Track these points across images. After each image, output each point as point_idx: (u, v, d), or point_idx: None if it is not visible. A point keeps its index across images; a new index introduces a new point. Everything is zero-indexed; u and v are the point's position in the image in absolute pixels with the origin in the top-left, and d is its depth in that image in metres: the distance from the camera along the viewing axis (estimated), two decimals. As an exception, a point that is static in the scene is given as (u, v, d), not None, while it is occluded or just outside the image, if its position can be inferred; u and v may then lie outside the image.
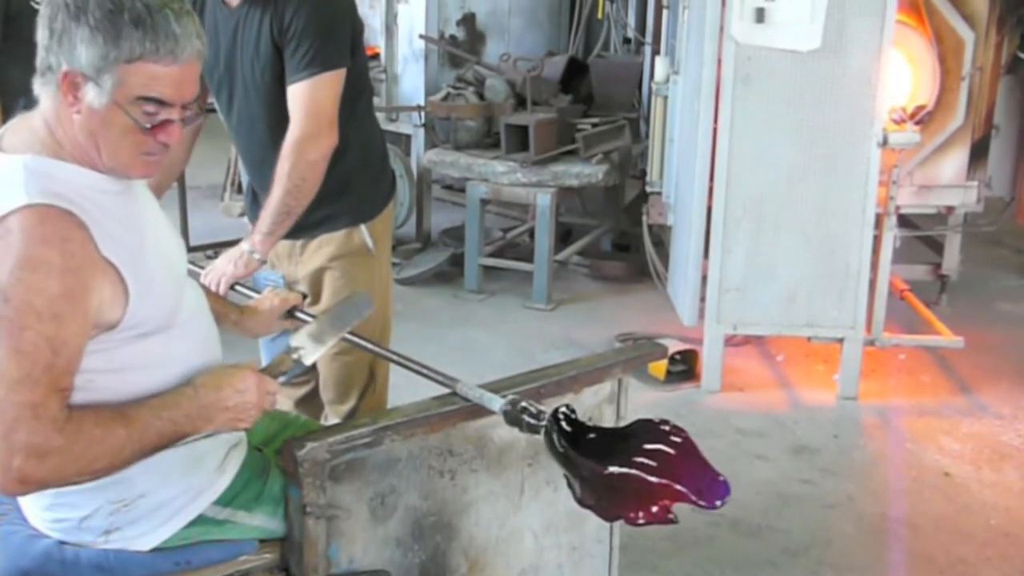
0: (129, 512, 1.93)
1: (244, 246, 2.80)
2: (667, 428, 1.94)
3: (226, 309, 2.44)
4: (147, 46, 1.75)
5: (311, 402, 3.26)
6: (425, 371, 2.24)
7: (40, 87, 1.84)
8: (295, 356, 2.07)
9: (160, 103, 1.80)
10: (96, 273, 1.76)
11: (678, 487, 1.87)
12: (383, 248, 3.12)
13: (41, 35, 1.80)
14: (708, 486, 1.91)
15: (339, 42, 2.83)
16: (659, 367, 4.77)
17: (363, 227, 3.03)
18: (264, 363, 3.26)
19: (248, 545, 2.04)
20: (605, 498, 1.90)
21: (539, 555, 2.41)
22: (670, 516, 1.86)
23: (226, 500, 2.02)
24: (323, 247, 3.01)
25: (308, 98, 2.76)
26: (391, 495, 2.09)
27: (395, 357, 2.35)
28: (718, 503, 1.91)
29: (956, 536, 3.68)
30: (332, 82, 2.80)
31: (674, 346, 4.82)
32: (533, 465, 2.33)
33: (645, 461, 1.88)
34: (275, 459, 2.11)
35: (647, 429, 1.95)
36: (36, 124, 1.85)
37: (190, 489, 1.97)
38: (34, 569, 1.93)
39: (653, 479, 1.87)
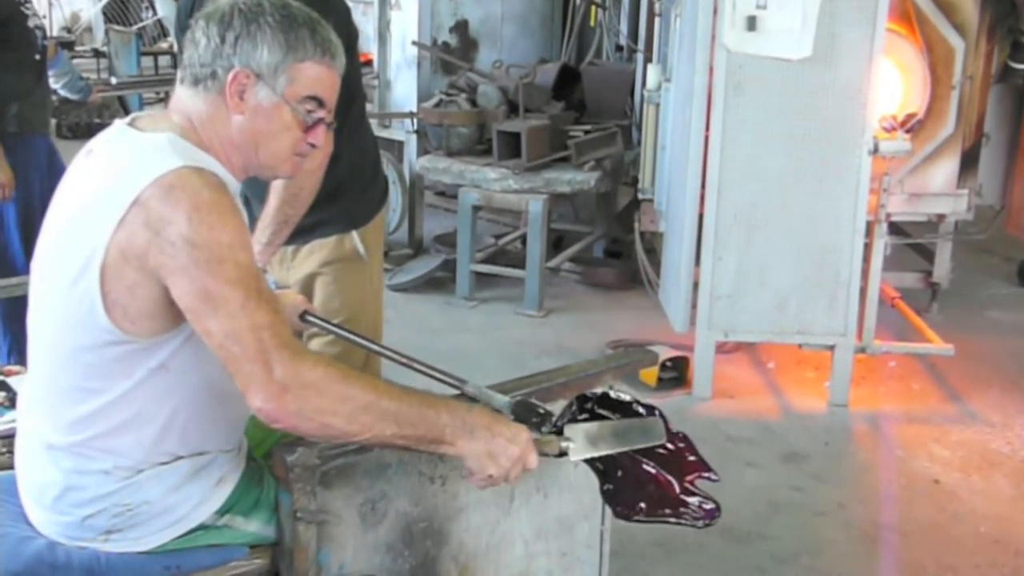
0: (132, 516, 1.93)
1: None
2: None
3: None
4: (317, 49, 1.93)
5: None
6: (430, 371, 2.24)
7: (194, 95, 1.93)
8: (564, 445, 2.02)
9: (319, 103, 1.96)
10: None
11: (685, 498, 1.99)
12: (375, 254, 3.13)
13: (207, 42, 1.91)
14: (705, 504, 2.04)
15: None
16: (650, 374, 4.77)
17: (355, 233, 3.03)
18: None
19: (239, 551, 2.04)
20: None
21: (529, 561, 2.40)
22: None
23: (225, 509, 2.03)
24: (315, 253, 3.01)
25: None
26: (381, 501, 2.09)
27: (402, 359, 2.35)
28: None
29: (946, 544, 3.69)
30: None
31: (665, 353, 4.83)
32: (523, 471, 2.32)
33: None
34: (267, 464, 2.11)
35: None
36: (177, 120, 1.94)
37: (192, 498, 1.98)
38: (25, 572, 1.92)
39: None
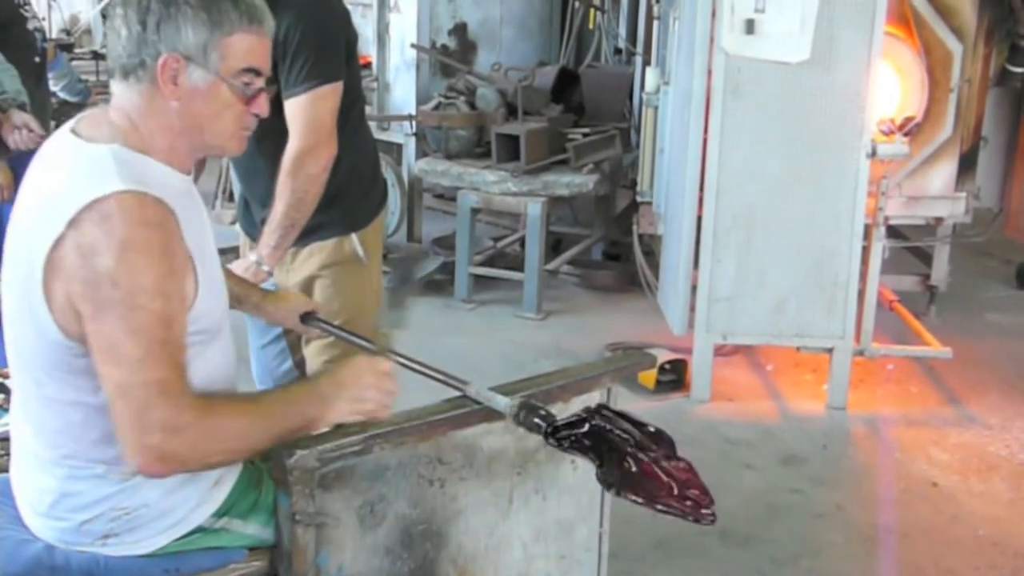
0: (130, 520, 1.93)
1: (252, 257, 2.86)
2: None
3: (248, 291, 2.55)
4: (243, 19, 1.88)
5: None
6: (435, 374, 2.25)
7: (126, 87, 1.89)
8: (387, 332, 2.10)
9: (255, 72, 1.93)
10: (185, 261, 1.83)
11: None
12: (374, 257, 3.13)
13: (128, 32, 1.85)
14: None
15: (335, 54, 2.84)
16: (649, 376, 4.78)
17: (354, 236, 3.04)
18: (254, 370, 3.28)
19: (237, 553, 2.04)
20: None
21: (528, 564, 2.40)
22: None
23: (223, 510, 2.03)
24: (314, 255, 3.01)
25: (307, 112, 2.78)
26: (380, 503, 2.09)
27: (404, 361, 2.36)
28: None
29: (944, 546, 3.69)
30: (330, 95, 2.82)
31: (663, 355, 4.83)
32: (522, 474, 2.33)
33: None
34: (266, 467, 2.12)
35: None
36: (115, 119, 1.90)
37: (189, 500, 1.98)
38: (24, 575, 1.93)
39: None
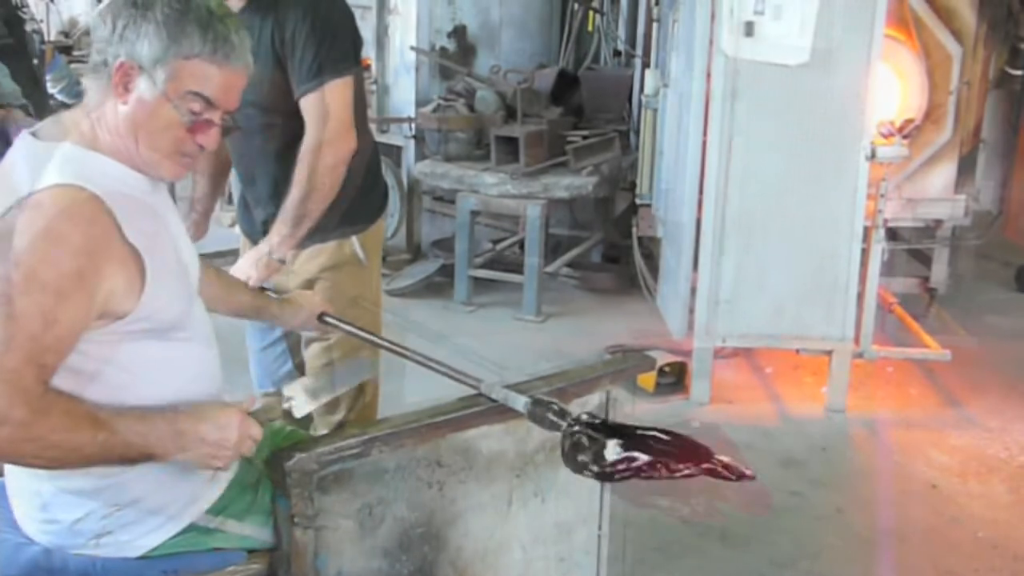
0: (121, 517, 1.93)
1: (263, 248, 2.83)
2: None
3: (264, 302, 2.55)
4: (206, 47, 1.86)
5: (300, 413, 3.25)
6: (450, 372, 2.27)
7: (90, 81, 1.91)
8: (286, 406, 2.09)
9: (206, 102, 1.89)
10: (114, 261, 1.80)
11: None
12: (374, 260, 3.13)
13: (100, 31, 1.88)
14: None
15: (344, 47, 2.85)
16: (648, 379, 4.77)
17: (354, 239, 3.04)
18: (253, 373, 3.28)
19: (236, 555, 2.04)
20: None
21: (527, 566, 2.40)
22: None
23: (218, 509, 2.03)
24: (314, 258, 3.01)
25: (322, 106, 2.79)
26: (379, 506, 2.09)
27: (420, 359, 2.37)
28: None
29: (944, 548, 3.69)
30: (343, 87, 2.83)
31: (663, 358, 4.83)
32: (521, 476, 2.33)
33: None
34: (265, 470, 2.11)
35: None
36: (77, 116, 1.92)
37: (183, 496, 1.98)
38: (22, 578, 1.93)
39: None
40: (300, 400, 2.11)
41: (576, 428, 2.01)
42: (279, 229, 2.84)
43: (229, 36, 1.88)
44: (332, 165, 2.81)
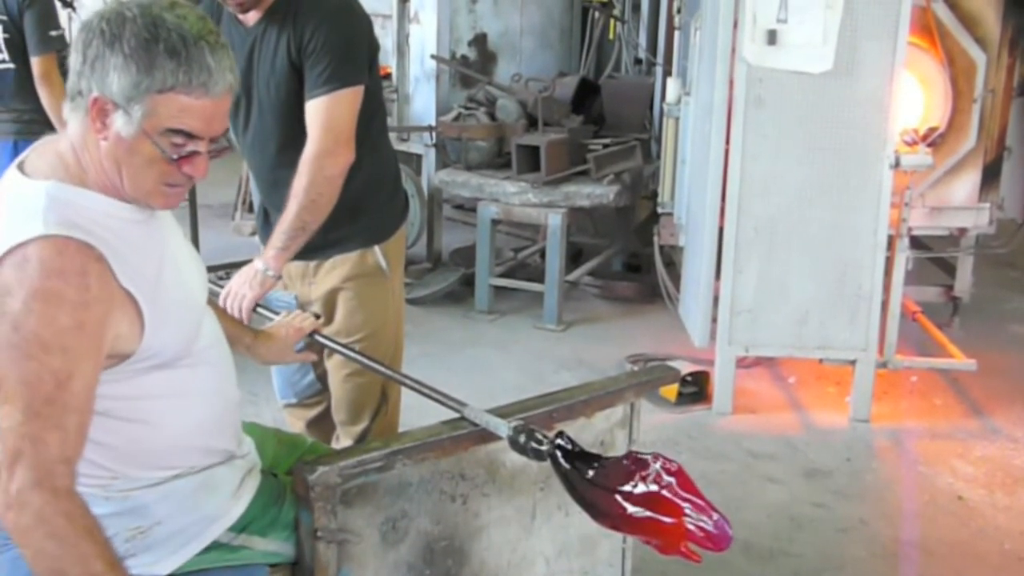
0: (145, 539, 1.92)
1: (258, 265, 2.80)
2: (659, 464, 1.93)
3: (240, 332, 2.46)
4: (180, 78, 1.75)
5: (322, 423, 3.26)
6: (434, 394, 2.24)
7: (69, 112, 1.84)
8: None
9: (188, 136, 1.80)
10: (114, 307, 1.77)
11: (689, 527, 1.86)
12: (396, 269, 3.12)
13: (74, 60, 1.79)
14: (711, 525, 1.89)
15: (357, 59, 2.84)
16: (670, 389, 4.75)
17: (376, 248, 3.03)
18: (276, 384, 3.28)
19: (259, 570, 2.03)
20: (620, 524, 1.91)
21: (551, 580, 2.39)
22: (691, 555, 1.86)
23: (241, 526, 2.02)
24: (337, 268, 3.01)
25: (326, 114, 2.77)
26: (402, 519, 2.08)
27: (406, 380, 2.35)
28: (724, 545, 1.89)
29: (970, 560, 3.66)
30: (351, 99, 2.81)
31: (685, 368, 4.81)
32: (545, 490, 2.32)
33: (654, 499, 1.87)
34: (290, 484, 2.11)
35: (641, 462, 1.94)
36: (63, 148, 1.85)
37: (206, 516, 1.97)
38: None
39: (666, 520, 1.87)
40: None
41: (555, 457, 1.96)
42: (274, 243, 2.80)
43: (205, 61, 1.76)
44: (331, 177, 2.78)
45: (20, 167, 1.86)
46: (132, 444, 1.88)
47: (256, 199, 3.28)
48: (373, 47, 2.97)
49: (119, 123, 1.77)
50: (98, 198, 1.83)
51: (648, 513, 1.88)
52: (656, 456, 1.95)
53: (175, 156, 1.80)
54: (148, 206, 1.89)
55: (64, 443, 1.70)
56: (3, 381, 1.70)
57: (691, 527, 1.87)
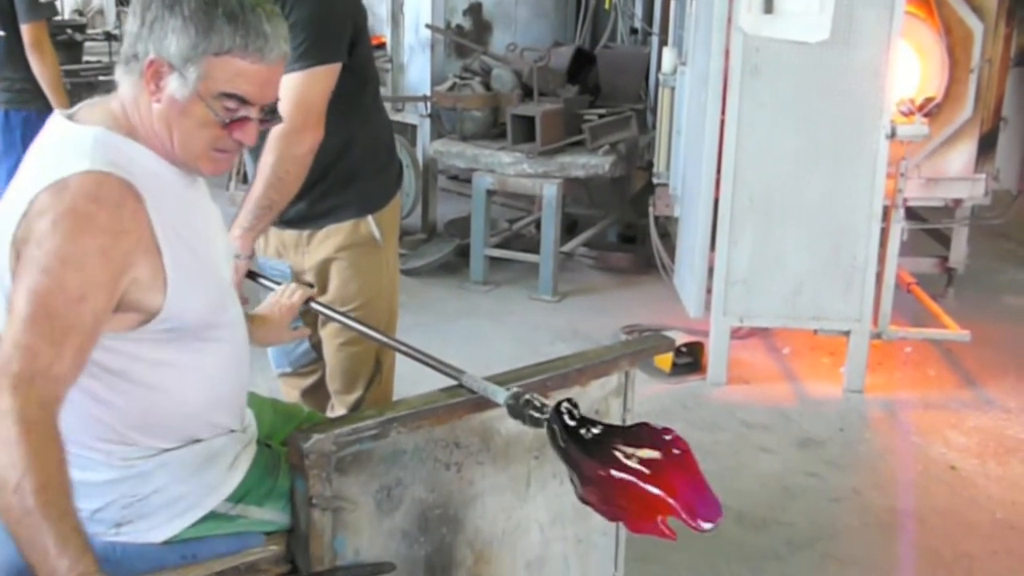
0: (142, 506, 1.92)
1: None
2: (670, 437, 1.91)
3: None
4: (237, 41, 1.79)
5: (317, 392, 3.26)
6: (431, 362, 2.23)
7: (122, 74, 1.87)
8: None
9: (241, 100, 1.83)
10: (140, 247, 1.77)
11: (671, 501, 1.84)
12: (390, 239, 3.11)
13: (131, 24, 1.83)
14: (701, 505, 1.87)
15: (336, 36, 2.80)
16: (665, 359, 4.76)
17: (370, 218, 3.01)
18: (270, 353, 3.27)
19: (255, 538, 2.03)
20: (605, 498, 1.89)
21: (545, 547, 2.40)
22: (667, 532, 1.85)
23: (238, 496, 2.02)
24: (330, 237, 2.99)
25: (298, 91, 2.71)
26: (397, 487, 2.08)
27: (403, 347, 2.35)
28: (707, 526, 1.87)
29: (962, 529, 3.68)
30: (325, 76, 2.77)
31: (680, 338, 4.81)
32: (539, 458, 2.32)
33: (644, 468, 1.86)
34: (285, 453, 2.11)
35: (651, 434, 1.93)
36: (113, 106, 1.88)
37: (203, 485, 1.97)
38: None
39: (650, 488, 1.85)
40: None
41: (555, 426, 1.94)
42: (240, 222, 2.74)
43: (261, 27, 1.81)
44: (298, 155, 2.73)
45: (69, 117, 1.89)
46: (143, 410, 1.88)
47: (250, 170, 3.26)
48: (359, 19, 2.93)
49: (173, 85, 1.80)
50: (146, 152, 1.85)
51: (638, 481, 1.86)
52: (668, 430, 1.94)
53: (227, 120, 1.83)
54: (195, 170, 1.91)
55: (56, 360, 1.68)
56: (14, 292, 1.70)
57: (675, 504, 1.85)
